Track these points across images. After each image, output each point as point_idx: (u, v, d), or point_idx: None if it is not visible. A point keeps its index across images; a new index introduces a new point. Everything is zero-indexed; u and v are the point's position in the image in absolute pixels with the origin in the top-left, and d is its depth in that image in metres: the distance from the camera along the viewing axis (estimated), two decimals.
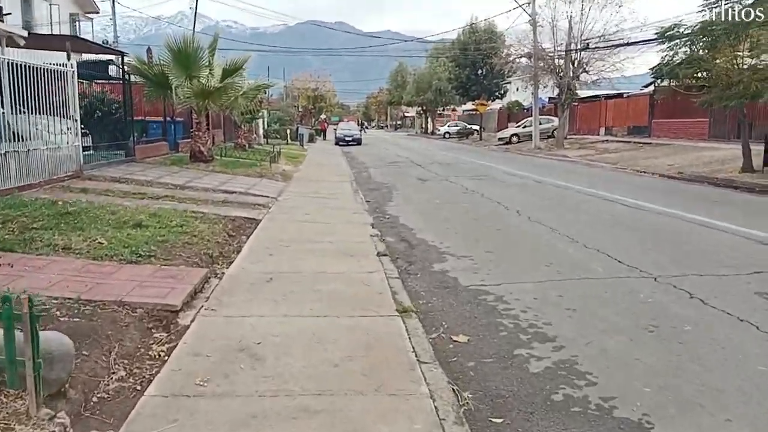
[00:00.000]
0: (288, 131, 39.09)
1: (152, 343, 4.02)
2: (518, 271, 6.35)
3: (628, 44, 25.88)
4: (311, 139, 41.30)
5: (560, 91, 31.09)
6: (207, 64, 15.07)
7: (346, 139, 40.13)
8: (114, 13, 33.63)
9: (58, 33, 17.47)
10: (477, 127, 52.98)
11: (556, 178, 16.36)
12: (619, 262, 6.66)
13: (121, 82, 15.39)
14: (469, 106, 68.77)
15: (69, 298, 4.30)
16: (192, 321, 4.39)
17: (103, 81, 16.84)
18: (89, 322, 3.95)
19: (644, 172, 19.35)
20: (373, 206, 11.27)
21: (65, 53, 11.30)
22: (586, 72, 30.14)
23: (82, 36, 23.65)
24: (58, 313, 3.99)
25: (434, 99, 60.08)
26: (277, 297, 5.01)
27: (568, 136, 35.32)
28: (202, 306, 4.71)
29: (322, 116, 77.89)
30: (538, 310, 5.06)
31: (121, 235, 6.14)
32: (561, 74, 30.37)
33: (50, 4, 21.30)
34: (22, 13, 19.88)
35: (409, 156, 27.16)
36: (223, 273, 5.79)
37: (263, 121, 40.97)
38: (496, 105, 54.78)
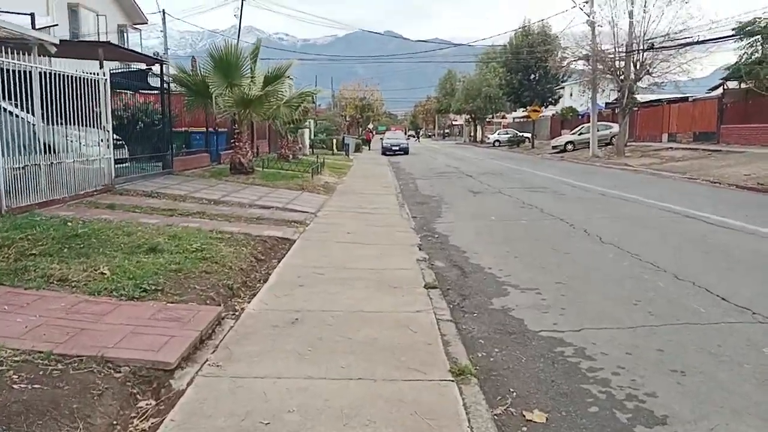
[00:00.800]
0: (334, 141, 38.54)
1: (133, 417, 3.11)
2: (599, 311, 5.17)
3: (697, 42, 23.98)
4: (357, 149, 40.65)
5: (620, 95, 29.24)
6: (249, 71, 14.44)
7: (393, 148, 39.27)
8: (164, 24, 33.99)
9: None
10: (529, 135, 51.23)
11: (622, 190, 14.89)
12: (723, 299, 5.38)
13: (165, 91, 14.93)
14: (520, 113, 66.92)
15: (40, 352, 3.45)
16: (189, 383, 3.46)
17: (147, 92, 16.50)
18: (53, 389, 3.07)
19: (718, 183, 17.56)
20: (421, 223, 10.23)
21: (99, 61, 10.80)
22: (650, 74, 28.19)
23: (129, 47, 23.68)
24: (16, 377, 3.13)
25: (484, 106, 58.66)
26: (301, 347, 4.04)
27: (628, 144, 33.28)
28: (207, 360, 3.78)
29: (370, 126, 77.57)
30: (635, 371, 3.89)
31: (130, 263, 5.32)
32: (622, 77, 28.54)
33: (98, 15, 21.34)
34: (70, 24, 19.92)
35: (458, 166, 25.99)
36: (242, 309, 4.87)
37: (309, 131, 40.64)
38: (549, 111, 52.83)
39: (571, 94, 57.41)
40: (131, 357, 3.57)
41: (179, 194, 10.86)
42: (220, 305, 4.82)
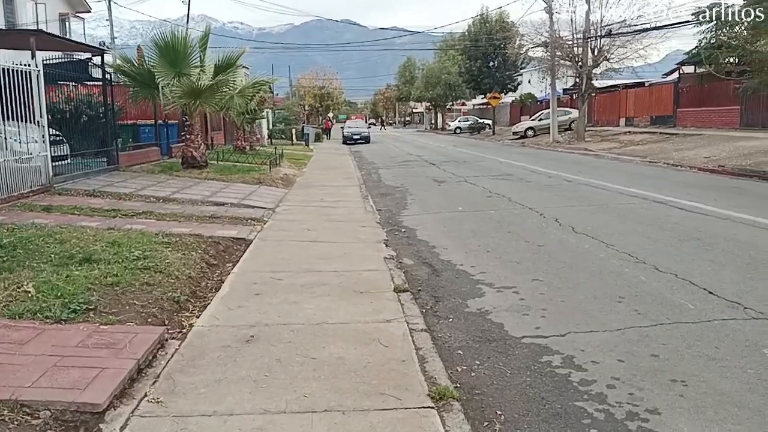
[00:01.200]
0: (294, 131, 37.64)
1: None
2: (583, 311, 4.79)
3: (656, 28, 24.15)
4: (318, 139, 39.85)
5: (579, 82, 29.35)
6: (198, 60, 13.61)
7: (354, 137, 38.64)
8: (110, 12, 32.32)
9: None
10: (489, 122, 51.30)
11: (588, 175, 14.75)
12: (711, 293, 5.09)
13: (107, 82, 13.96)
14: (480, 100, 67.07)
15: None
16: (123, 428, 2.89)
17: (91, 83, 15.43)
18: None
19: (680, 165, 17.67)
20: (386, 216, 9.75)
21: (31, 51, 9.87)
22: (608, 60, 28.35)
23: (71, 37, 22.34)
24: None
25: (444, 93, 58.41)
26: (256, 373, 3.51)
27: (587, 128, 33.55)
28: (145, 395, 3.21)
29: (330, 114, 76.54)
30: (631, 382, 3.51)
31: (59, 278, 4.66)
32: (580, 63, 28.60)
33: (36, 3, 19.97)
34: (5, 12, 18.55)
35: (420, 154, 25.60)
36: (189, 326, 4.30)
37: (267, 122, 39.59)
38: (509, 98, 53.01)
39: (529, 81, 57.75)
40: (52, 399, 2.98)
41: (124, 192, 10.08)
42: (163, 323, 4.23)
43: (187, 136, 13.95)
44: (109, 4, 32.47)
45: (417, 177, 16.01)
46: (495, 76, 44.50)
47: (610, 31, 26.37)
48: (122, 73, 12.99)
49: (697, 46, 20.01)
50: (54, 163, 11.12)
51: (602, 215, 9.14)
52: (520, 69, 45.70)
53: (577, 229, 7.97)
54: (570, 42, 29.12)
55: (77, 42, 12.30)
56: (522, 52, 33.72)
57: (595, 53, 28.63)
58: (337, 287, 5.28)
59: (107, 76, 12.91)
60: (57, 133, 11.95)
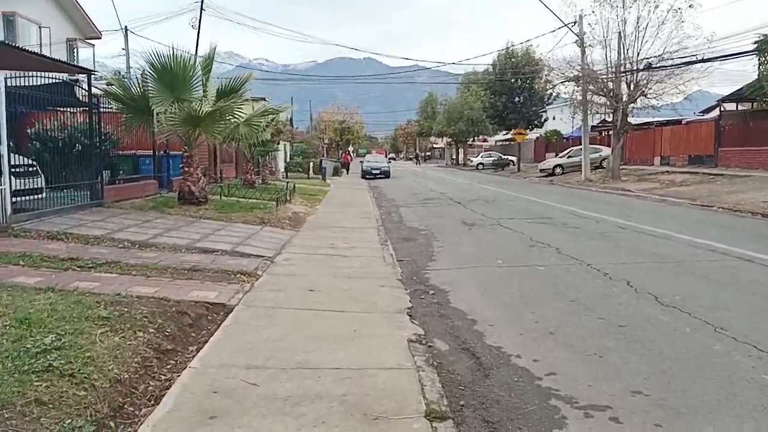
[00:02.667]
0: (311, 165, 36.24)
1: None
2: None
3: (703, 60, 22.29)
4: (336, 173, 38.39)
5: (614, 117, 27.56)
6: (199, 85, 12.16)
7: (374, 171, 37.09)
8: (126, 40, 31.65)
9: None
10: (513, 158, 49.57)
11: (640, 221, 12.80)
12: None
13: (94, 107, 12.54)
14: (502, 136, 65.51)
15: None
16: None
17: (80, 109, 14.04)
18: None
19: (739, 211, 15.62)
20: (409, 270, 7.91)
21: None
22: (645, 95, 26.56)
23: (79, 62, 21.28)
24: None
25: (466, 129, 57.01)
26: None
27: (621, 167, 31.64)
28: None
29: (350, 148, 75.64)
30: None
31: None
32: (616, 98, 26.85)
33: (41, 27, 18.92)
34: (6, 36, 17.47)
35: (444, 191, 23.83)
36: None
37: (285, 154, 38.35)
38: (533, 135, 51.32)
39: (554, 117, 56.16)
40: None
41: (96, 235, 8.41)
42: None
43: (185, 169, 12.39)
44: (126, 33, 31.88)
45: (442, 218, 14.18)
46: (521, 112, 42.86)
47: (650, 64, 24.62)
48: (113, 97, 11.53)
49: (759, 78, 18.23)
50: (23, 198, 9.59)
51: (686, 278, 7.18)
52: (547, 105, 44.09)
53: (662, 300, 6.05)
54: (604, 76, 27.44)
55: (56, 60, 10.86)
56: (550, 87, 32.06)
57: (631, 88, 26.86)
58: (338, 406, 3.43)
59: (94, 100, 11.44)
60: (31, 163, 10.46)
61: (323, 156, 48.19)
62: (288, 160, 39.56)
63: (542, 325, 5.31)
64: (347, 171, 38.96)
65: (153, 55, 11.44)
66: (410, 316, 5.58)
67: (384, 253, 9.13)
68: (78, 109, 12.74)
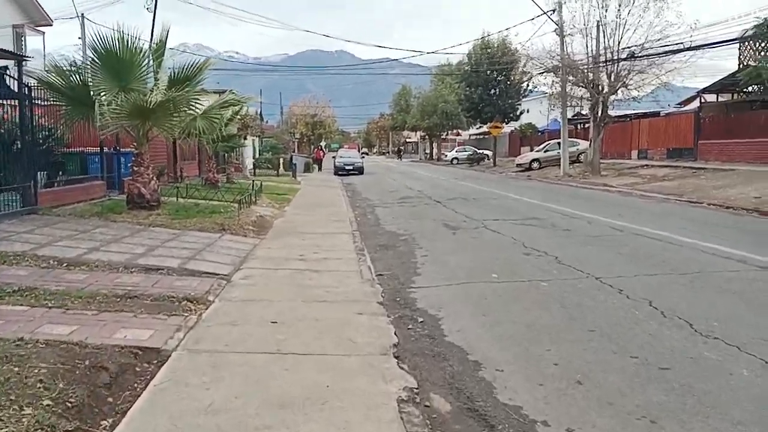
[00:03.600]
0: (281, 161, 34.76)
1: None
2: None
3: (689, 48, 21.59)
4: (308, 169, 36.99)
5: (594, 109, 26.82)
6: (150, 73, 10.78)
7: (347, 167, 35.78)
8: (83, 28, 29.62)
9: None
10: (488, 152, 48.82)
11: (634, 220, 11.90)
12: None
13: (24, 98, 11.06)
14: (476, 130, 64.78)
15: None
16: None
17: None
18: None
19: (731, 207, 14.91)
20: (391, 288, 6.76)
21: None
22: (626, 86, 25.85)
23: (27, 52, 19.50)
24: None
25: (440, 123, 56.13)
26: None
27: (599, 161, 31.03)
28: None
29: (322, 143, 74.02)
30: None
31: None
32: (597, 89, 26.09)
33: None
34: None
35: (421, 188, 22.71)
36: None
37: (254, 150, 36.80)
38: (507, 128, 50.60)
39: (528, 111, 55.53)
40: None
41: (16, 251, 7.02)
42: None
43: (135, 168, 10.99)
44: (83, 21, 29.87)
45: (423, 220, 13.05)
46: (497, 104, 41.98)
47: (633, 53, 23.87)
48: (48, 86, 10.04)
49: (740, 68, 17.58)
50: None
51: (712, 295, 6.18)
52: (523, 97, 43.33)
53: (698, 328, 5.01)
54: (584, 66, 26.66)
55: None
56: (527, 77, 31.20)
57: (612, 78, 26.13)
58: None
59: (26, 90, 9.94)
60: None
61: (294, 151, 46.65)
62: (257, 156, 38.00)
63: (565, 370, 4.20)
64: (319, 167, 37.50)
65: (97, 40, 10.01)
66: (397, 358, 4.42)
67: (361, 265, 7.94)
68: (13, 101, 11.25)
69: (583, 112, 40.93)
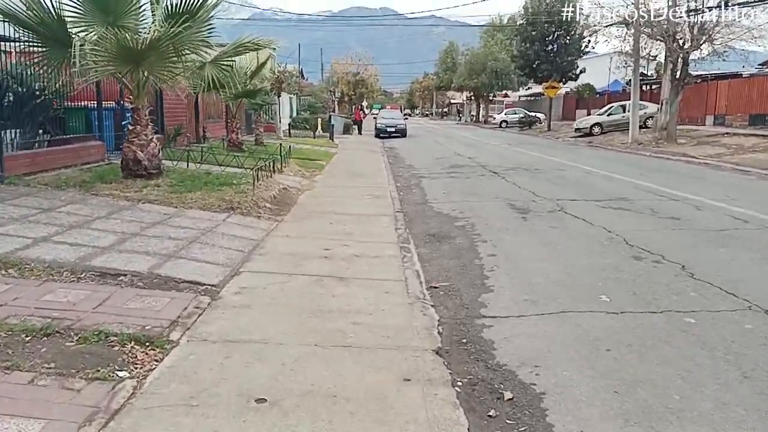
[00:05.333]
0: (319, 121, 32.51)
1: None
2: None
3: None
4: (347, 131, 34.65)
5: (673, 66, 23.44)
6: (147, 7, 8.61)
7: (389, 130, 33.28)
8: None
9: None
10: (540, 115, 45.34)
11: (752, 206, 9.24)
12: None
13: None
14: (525, 91, 60.75)
15: None
16: None
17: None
18: None
19: None
20: (452, 318, 4.52)
21: None
22: (711, 40, 22.34)
23: None
24: None
25: (489, 82, 52.57)
26: None
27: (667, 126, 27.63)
28: None
29: (364, 103, 71.34)
30: None
31: None
32: (676, 44, 22.67)
33: None
34: None
35: (472, 155, 20.15)
36: None
37: (291, 109, 34.64)
38: (562, 90, 46.75)
39: (584, 70, 51.24)
40: None
41: None
42: None
43: (130, 128, 8.94)
44: None
45: (480, 197, 10.67)
46: (554, 62, 38.27)
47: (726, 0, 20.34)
48: (13, 20, 7.92)
49: None
50: None
51: None
52: (584, 54, 39.48)
53: None
54: (662, 17, 23.16)
55: None
56: (592, 30, 27.67)
57: (695, 31, 22.59)
58: None
59: None
60: None
61: (334, 111, 44.31)
62: (293, 115, 35.89)
63: None
64: (359, 130, 34.94)
65: None
66: None
67: (406, 268, 5.71)
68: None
69: (648, 72, 37.08)
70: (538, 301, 4.88)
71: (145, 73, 8.42)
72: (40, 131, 9.83)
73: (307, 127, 31.75)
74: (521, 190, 11.33)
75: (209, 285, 4.83)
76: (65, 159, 9.62)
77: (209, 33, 8.85)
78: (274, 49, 15.08)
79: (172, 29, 7.72)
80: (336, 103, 58.26)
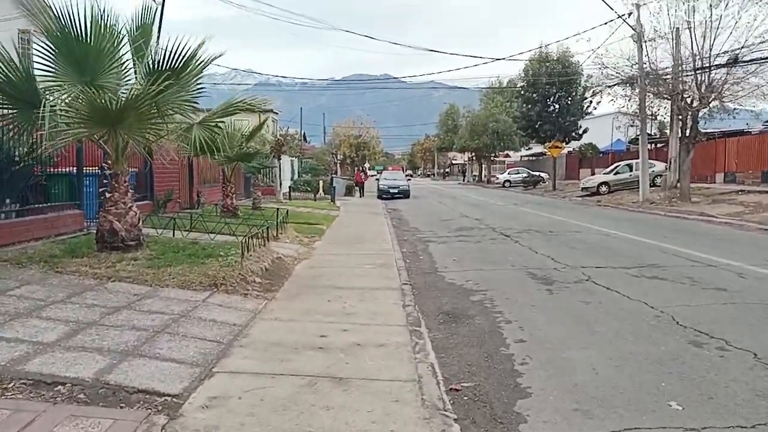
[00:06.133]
0: (321, 183, 31.95)
1: None
2: None
3: None
4: (349, 192, 34.04)
5: (682, 124, 22.95)
6: (129, 66, 7.94)
7: (391, 191, 32.65)
8: None
9: None
10: (544, 175, 44.92)
11: None
12: None
13: None
14: (526, 151, 60.79)
15: None
16: None
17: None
18: None
19: None
20: None
21: None
22: (720, 98, 21.91)
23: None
24: None
25: (491, 143, 52.61)
26: None
27: (678, 185, 26.91)
28: None
29: (366, 165, 71.50)
30: None
31: None
32: (684, 102, 22.26)
33: None
34: None
35: (480, 216, 19.29)
36: None
37: (289, 171, 34.18)
38: (564, 149, 46.50)
39: (587, 129, 51.37)
40: None
41: None
42: None
43: (108, 195, 8.08)
44: None
45: (496, 265, 9.67)
46: (557, 122, 38.12)
47: (736, 57, 20.00)
48: None
49: None
50: None
51: None
52: (585, 114, 39.40)
53: None
54: (668, 75, 22.87)
55: None
56: (597, 90, 27.44)
57: (703, 89, 22.20)
58: None
59: None
60: None
61: (335, 173, 43.96)
62: (296, 177, 35.42)
63: None
64: (361, 192, 34.07)
65: (54, 17, 7.22)
66: None
67: (419, 364, 4.65)
68: None
69: (651, 132, 36.84)
70: (592, 411, 3.80)
71: (125, 136, 7.63)
72: (8, 200, 8.95)
73: (309, 189, 31.14)
74: (539, 256, 10.34)
75: (169, 396, 3.77)
76: (35, 230, 8.72)
77: (197, 93, 8.15)
78: (272, 111, 14.57)
79: (152, 87, 6.97)
80: (338, 165, 58.23)
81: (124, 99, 7.05)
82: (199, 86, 8.10)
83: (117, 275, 6.84)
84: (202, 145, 9.04)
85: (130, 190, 8.26)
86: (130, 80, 8.08)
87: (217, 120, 8.91)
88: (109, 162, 8.23)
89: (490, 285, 7.91)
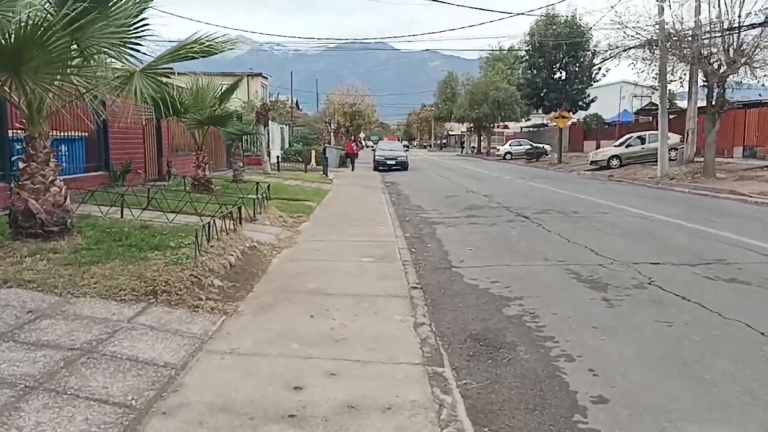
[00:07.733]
0: (313, 153, 29.79)
1: None
2: None
3: None
4: (342, 163, 31.91)
5: (709, 91, 20.96)
6: None
7: (389, 162, 30.56)
8: None
9: None
10: (546, 147, 42.85)
11: None
12: None
13: None
14: (525, 122, 58.56)
15: None
16: None
17: None
18: None
19: None
20: None
21: None
22: (750, 63, 19.87)
23: None
24: None
25: (491, 113, 50.34)
26: None
27: (696, 159, 25.05)
28: None
29: (361, 135, 69.10)
30: None
31: None
32: (710, 67, 20.22)
33: None
34: None
35: (487, 192, 17.35)
36: None
37: (279, 140, 31.97)
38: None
39: (595, 98, 49.17)
40: None
41: None
42: None
43: (22, 166, 6.10)
44: None
45: (523, 258, 7.79)
46: (564, 90, 35.87)
47: None
48: None
49: None
50: None
51: None
52: (593, 82, 37.13)
53: None
54: (690, 37, 20.75)
55: None
56: (614, 50, 25.13)
57: (730, 53, 20.12)
58: None
59: None
60: None
61: (329, 143, 41.74)
62: (286, 147, 33.22)
63: None
64: (352, 166, 31.39)
65: None
66: None
67: None
68: None
69: (656, 101, 34.76)
70: None
71: (31, 85, 5.59)
72: None
73: (300, 159, 29.00)
74: (573, 246, 8.46)
75: None
76: None
77: (138, 30, 6.08)
78: (261, 75, 12.39)
79: (67, 14, 4.92)
80: (332, 134, 55.84)
81: (24, 29, 4.98)
82: (141, 21, 6.02)
83: (18, 277, 4.92)
84: (156, 102, 6.99)
85: (54, 159, 6.27)
86: (35, 5, 5.99)
87: (164, 66, 6.83)
88: (23, 122, 6.21)
89: (525, 289, 6.04)
